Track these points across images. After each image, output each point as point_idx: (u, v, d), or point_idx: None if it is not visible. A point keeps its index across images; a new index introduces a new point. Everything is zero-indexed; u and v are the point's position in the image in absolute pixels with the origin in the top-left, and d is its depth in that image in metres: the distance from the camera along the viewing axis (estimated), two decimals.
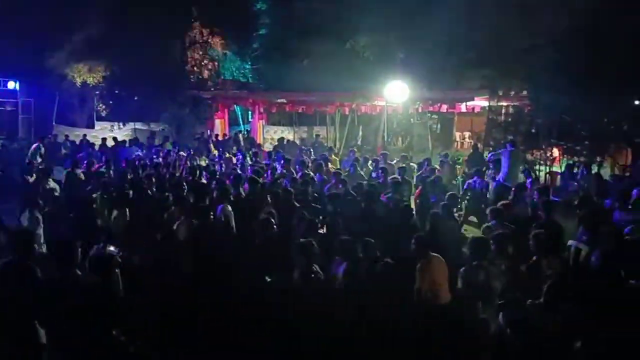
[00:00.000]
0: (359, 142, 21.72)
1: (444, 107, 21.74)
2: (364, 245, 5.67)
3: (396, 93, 18.27)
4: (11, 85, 17.54)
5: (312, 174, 10.87)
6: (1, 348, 4.96)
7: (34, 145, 15.27)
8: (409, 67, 21.02)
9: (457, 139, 25.21)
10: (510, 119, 18.11)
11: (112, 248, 6.22)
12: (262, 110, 22.75)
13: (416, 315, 5.10)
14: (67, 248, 5.04)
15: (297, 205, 7.96)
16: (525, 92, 16.97)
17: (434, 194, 9.35)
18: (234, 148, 18.32)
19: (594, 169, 14.17)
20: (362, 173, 11.89)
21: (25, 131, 18.20)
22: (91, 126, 23.58)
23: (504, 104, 18.51)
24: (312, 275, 5.19)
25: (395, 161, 13.33)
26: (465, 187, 11.28)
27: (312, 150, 17.04)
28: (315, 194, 9.02)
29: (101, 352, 4.53)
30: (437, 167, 12.16)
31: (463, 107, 21.13)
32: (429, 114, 24.70)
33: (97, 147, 18.00)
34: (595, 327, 4.38)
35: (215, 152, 16.14)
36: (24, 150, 16.49)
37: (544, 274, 5.01)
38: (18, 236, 5.30)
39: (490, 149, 16.98)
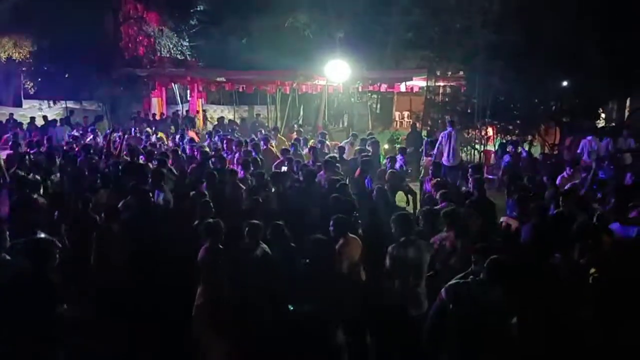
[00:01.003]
0: (300, 122, 21.65)
1: (384, 87, 22.00)
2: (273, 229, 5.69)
3: (336, 72, 18.27)
4: None
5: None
6: None
7: None
8: (348, 46, 21.11)
9: (397, 118, 25.60)
10: (447, 99, 18.55)
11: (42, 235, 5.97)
12: (200, 88, 22.27)
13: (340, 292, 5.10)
14: None
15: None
16: (461, 73, 17.38)
17: (369, 173, 9.45)
18: (172, 128, 17.90)
19: (526, 148, 14.80)
20: (302, 153, 11.90)
21: None
22: (18, 104, 22.42)
23: (442, 84, 18.91)
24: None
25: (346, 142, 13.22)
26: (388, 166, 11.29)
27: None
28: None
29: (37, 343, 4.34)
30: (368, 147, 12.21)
31: (402, 87, 21.42)
32: (369, 94, 24.96)
33: (25, 127, 17.16)
34: (528, 300, 4.59)
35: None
36: None
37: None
38: None
39: (428, 128, 17.37)
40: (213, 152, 10.89)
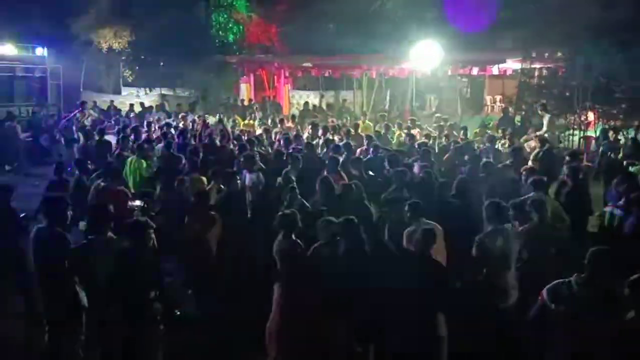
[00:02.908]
0: (386, 107, 21.54)
1: (475, 70, 21.30)
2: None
3: (425, 55, 17.93)
4: (39, 51, 17.81)
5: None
6: (46, 309, 5.24)
7: (76, 112, 15.53)
8: (438, 28, 20.61)
9: (488, 102, 24.74)
10: (543, 82, 17.71)
11: (137, 202, 6.45)
12: (287, 74, 22.66)
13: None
14: (100, 211, 5.22)
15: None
16: (560, 54, 16.49)
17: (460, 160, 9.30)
18: (260, 112, 18.38)
19: (631, 134, 13.86)
20: (390, 138, 11.93)
21: (55, 97, 18.55)
22: (118, 92, 23.90)
23: (537, 66, 18.06)
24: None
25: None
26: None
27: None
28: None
29: (134, 317, 4.75)
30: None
31: (494, 70, 20.65)
32: (459, 77, 24.30)
33: (124, 114, 18.37)
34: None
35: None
36: (54, 117, 16.81)
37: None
38: (50, 203, 5.43)
39: (523, 113, 16.69)
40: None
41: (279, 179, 7.64)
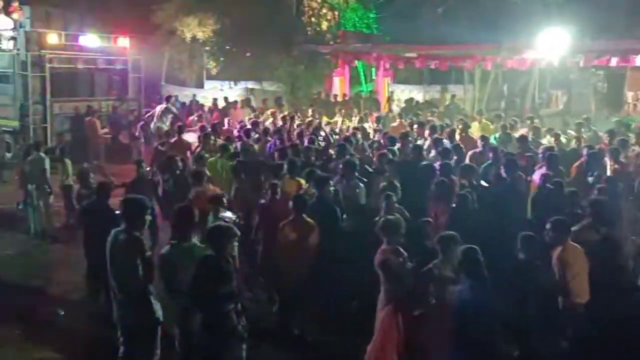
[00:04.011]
0: (502, 105, 20.98)
1: (614, 61, 20.20)
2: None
3: (551, 43, 17.27)
4: (121, 42, 18.76)
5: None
6: (121, 319, 5.53)
7: (159, 108, 16.33)
8: (567, 10, 19.80)
9: (629, 100, 23.44)
10: None
11: (228, 214, 6.66)
12: (387, 66, 22.59)
13: None
14: (186, 214, 5.44)
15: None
16: None
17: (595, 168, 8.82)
18: (354, 111, 18.48)
19: None
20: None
21: (135, 91, 19.54)
22: (200, 86, 24.91)
23: None
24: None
25: None
26: None
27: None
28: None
29: (213, 330, 4.97)
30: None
31: (638, 61, 19.49)
32: (593, 70, 23.21)
33: (207, 108, 19.11)
34: None
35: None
36: (134, 112, 17.76)
37: None
38: (129, 206, 5.61)
39: None
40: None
41: (383, 184, 7.59)
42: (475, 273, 4.98)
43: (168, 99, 16.79)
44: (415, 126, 12.58)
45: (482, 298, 4.86)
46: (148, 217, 5.59)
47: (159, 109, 16.17)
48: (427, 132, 11.53)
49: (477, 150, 10.08)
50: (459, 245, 5.26)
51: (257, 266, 7.59)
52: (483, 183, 8.21)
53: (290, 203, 6.85)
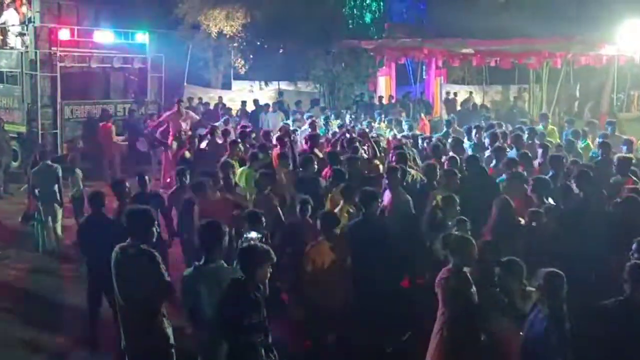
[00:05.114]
0: (575, 108, 20.68)
1: None
2: None
3: (632, 37, 17.02)
4: (140, 38, 18.93)
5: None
6: (128, 344, 5.57)
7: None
8: None
9: None
10: None
11: (253, 234, 6.64)
12: (440, 64, 22.51)
13: None
14: (213, 231, 5.47)
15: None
16: None
17: None
18: (403, 114, 18.42)
19: None
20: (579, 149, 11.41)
21: (155, 93, 19.68)
22: (227, 87, 25.16)
23: None
24: None
25: None
26: None
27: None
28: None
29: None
30: None
31: None
32: None
33: (234, 112, 19.24)
34: None
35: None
36: (153, 116, 17.92)
37: None
38: (136, 217, 5.65)
39: None
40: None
41: (437, 199, 7.52)
42: (556, 305, 4.85)
43: (178, 103, 16.71)
44: (474, 132, 12.42)
45: (560, 336, 4.74)
46: (156, 229, 5.68)
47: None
48: (486, 140, 11.38)
49: (538, 160, 9.96)
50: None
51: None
52: (550, 201, 8.04)
53: (318, 222, 6.83)
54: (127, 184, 8.23)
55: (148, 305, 5.44)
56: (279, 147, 11.40)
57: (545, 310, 4.86)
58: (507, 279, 5.40)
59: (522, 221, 7.25)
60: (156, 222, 5.77)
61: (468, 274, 5.54)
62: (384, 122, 15.84)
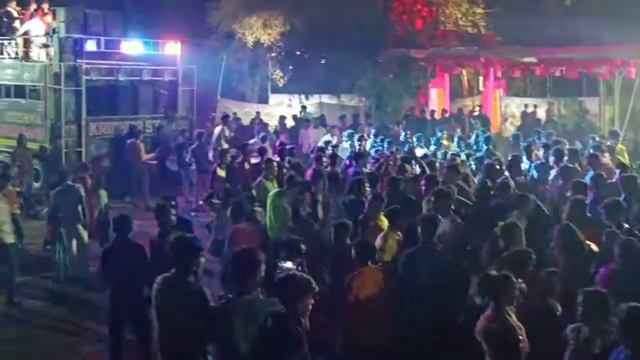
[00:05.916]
0: None
1: None
2: None
3: None
4: (170, 48, 19.15)
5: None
6: None
7: (218, 130, 16.69)
8: None
9: None
10: None
11: (289, 264, 6.66)
12: (499, 74, 22.36)
13: None
14: (248, 260, 5.50)
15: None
16: None
17: None
18: (457, 130, 18.33)
19: None
20: None
21: (186, 108, 19.87)
22: (264, 100, 25.34)
23: None
24: None
25: None
26: None
27: None
28: None
29: None
30: None
31: None
32: None
33: (272, 129, 19.34)
34: None
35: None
36: (185, 133, 18.11)
37: None
38: (180, 247, 5.73)
39: None
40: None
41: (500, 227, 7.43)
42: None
43: (225, 119, 16.91)
44: (540, 150, 12.30)
45: None
46: (203, 260, 5.74)
47: (217, 130, 16.44)
48: (551, 159, 11.24)
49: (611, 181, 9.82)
50: None
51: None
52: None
53: (353, 252, 6.81)
54: (171, 208, 8.24)
55: (190, 346, 5.47)
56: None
57: (628, 352, 4.74)
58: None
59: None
60: (202, 252, 5.82)
61: (511, 316, 5.42)
62: (445, 137, 15.77)
